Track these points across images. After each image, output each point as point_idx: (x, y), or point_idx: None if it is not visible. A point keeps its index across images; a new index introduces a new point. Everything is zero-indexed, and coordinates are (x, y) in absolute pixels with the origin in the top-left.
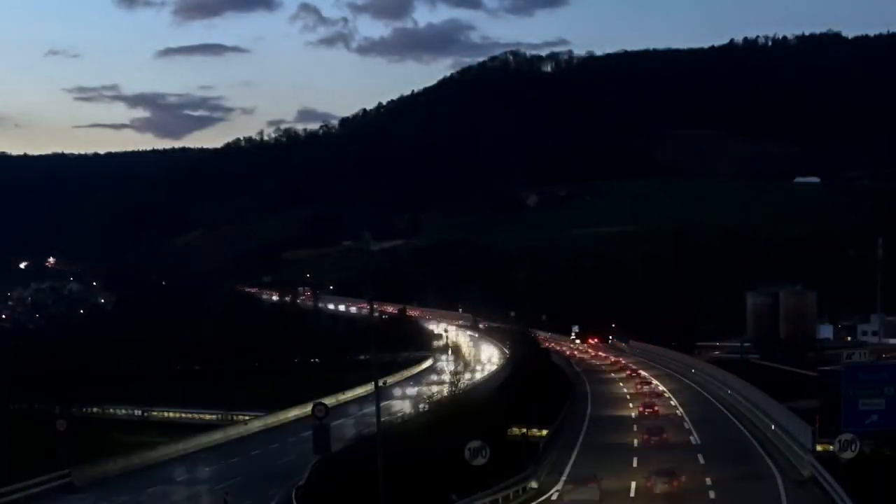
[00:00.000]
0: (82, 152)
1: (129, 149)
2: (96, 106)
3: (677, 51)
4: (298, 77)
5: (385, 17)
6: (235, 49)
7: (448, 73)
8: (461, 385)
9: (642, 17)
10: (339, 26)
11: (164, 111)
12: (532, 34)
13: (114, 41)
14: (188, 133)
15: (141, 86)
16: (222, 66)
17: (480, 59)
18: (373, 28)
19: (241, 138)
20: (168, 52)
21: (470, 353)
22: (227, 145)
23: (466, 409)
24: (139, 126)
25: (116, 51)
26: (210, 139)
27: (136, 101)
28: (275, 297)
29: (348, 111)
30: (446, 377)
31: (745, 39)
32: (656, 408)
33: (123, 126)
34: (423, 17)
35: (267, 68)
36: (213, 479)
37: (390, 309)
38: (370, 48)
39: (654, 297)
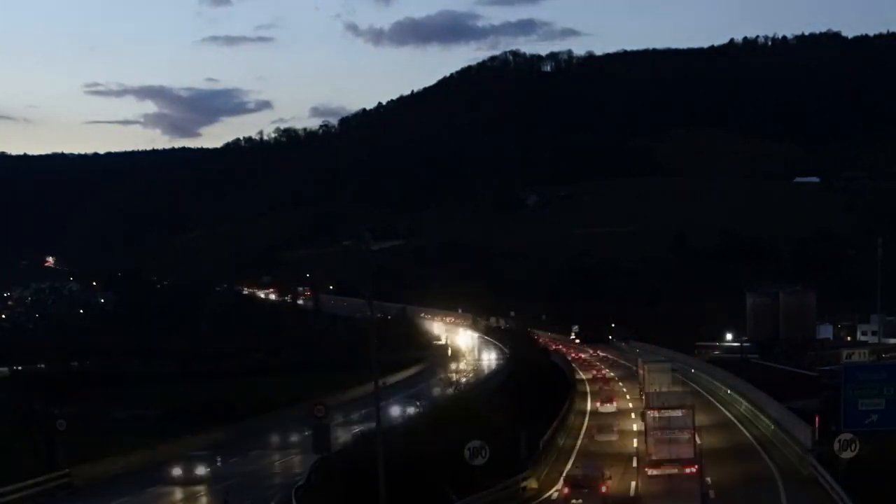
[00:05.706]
0: (85, 151)
1: (137, 145)
2: (106, 100)
3: (677, 51)
4: (311, 69)
5: (394, 5)
6: (244, 39)
7: (457, 67)
8: (461, 385)
9: (642, 17)
10: (351, 15)
11: (174, 105)
12: (537, 26)
13: (121, 35)
14: (197, 128)
15: (148, 80)
16: (230, 59)
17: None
18: (383, 17)
19: (241, 138)
20: (174, 46)
21: (469, 353)
22: (227, 145)
23: (466, 409)
24: (147, 122)
25: (124, 45)
26: (217, 134)
27: (144, 94)
28: (274, 297)
29: (361, 104)
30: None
31: (745, 39)
32: None
33: (130, 122)
34: (431, 6)
35: (278, 59)
36: (212, 478)
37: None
38: (380, 37)
39: (654, 298)
